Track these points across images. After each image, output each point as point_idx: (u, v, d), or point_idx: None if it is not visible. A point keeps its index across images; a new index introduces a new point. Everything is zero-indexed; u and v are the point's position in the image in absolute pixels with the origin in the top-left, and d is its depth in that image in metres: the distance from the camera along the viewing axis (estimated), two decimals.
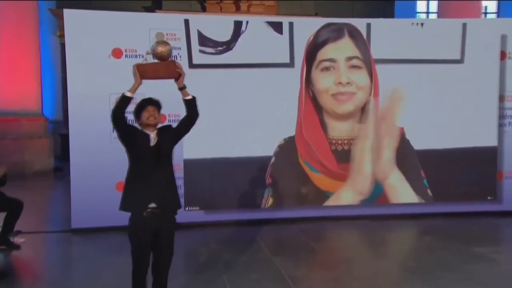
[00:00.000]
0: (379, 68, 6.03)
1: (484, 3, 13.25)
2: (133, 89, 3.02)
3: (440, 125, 6.18)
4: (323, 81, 5.92)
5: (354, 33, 5.97)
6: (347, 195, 6.03)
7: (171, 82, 3.13)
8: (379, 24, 6.18)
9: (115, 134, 3.11)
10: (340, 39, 5.93)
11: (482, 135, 6.27)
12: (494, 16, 14.74)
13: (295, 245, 5.23)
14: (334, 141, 6.02)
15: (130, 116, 3.13)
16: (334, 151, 6.00)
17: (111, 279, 4.07)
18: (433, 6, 14.61)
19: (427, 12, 15.03)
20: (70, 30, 5.50)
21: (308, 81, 5.95)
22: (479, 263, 4.56)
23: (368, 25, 6.05)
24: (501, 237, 5.89)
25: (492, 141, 6.32)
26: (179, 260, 4.06)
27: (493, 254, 4.82)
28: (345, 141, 6.02)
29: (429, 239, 5.46)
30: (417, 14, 14.73)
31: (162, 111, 4.88)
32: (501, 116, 6.39)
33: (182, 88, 3.13)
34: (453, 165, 6.20)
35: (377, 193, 6.07)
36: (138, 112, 3.10)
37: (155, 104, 3.12)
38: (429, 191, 6.18)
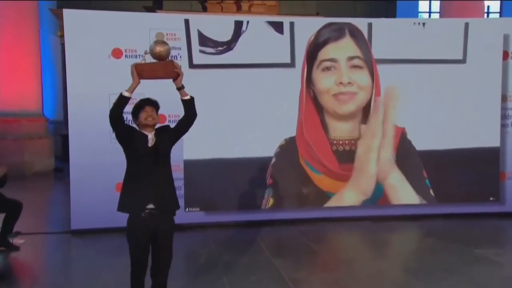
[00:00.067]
0: (380, 68, 5.99)
1: (486, 3, 13.18)
2: (131, 89, 2.99)
3: (442, 126, 6.14)
4: (324, 81, 5.88)
5: (355, 33, 5.93)
6: (350, 196, 5.99)
7: (172, 82, 3.11)
8: (380, 24, 6.14)
9: (114, 134, 3.09)
10: (341, 38, 5.89)
11: (485, 136, 6.23)
12: (497, 16, 14.69)
13: (295, 246, 5.20)
14: (335, 142, 5.98)
15: (128, 116, 3.10)
16: (335, 152, 5.97)
17: (111, 280, 4.05)
18: (435, 6, 14.55)
19: (429, 12, 14.99)
20: (70, 30, 5.48)
21: (309, 81, 5.91)
22: (481, 265, 4.53)
23: (370, 25, 6.01)
24: (503, 238, 5.84)
25: (494, 142, 6.27)
26: (179, 262, 4.03)
27: (496, 256, 4.78)
28: (346, 142, 5.99)
29: (431, 241, 5.42)
30: (419, 14, 14.69)
31: (162, 112, 4.88)
32: (504, 117, 6.35)
33: (180, 88, 3.10)
34: (455, 166, 6.16)
35: (379, 194, 6.04)
36: (136, 112, 3.07)
37: (153, 104, 3.10)
38: (431, 192, 6.14)
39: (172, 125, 3.27)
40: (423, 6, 14.96)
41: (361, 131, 5.98)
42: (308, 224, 5.92)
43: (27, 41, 9.65)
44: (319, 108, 5.94)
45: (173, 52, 5.57)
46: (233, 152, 5.78)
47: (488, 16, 14.21)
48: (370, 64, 5.97)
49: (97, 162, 5.40)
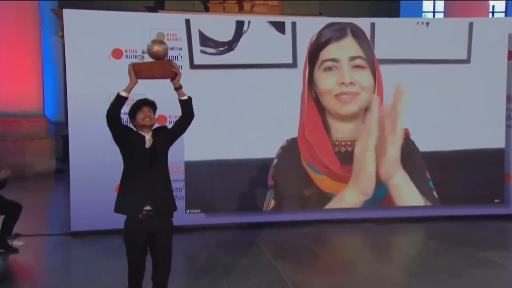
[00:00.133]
0: (383, 68, 5.94)
1: (491, 3, 13.12)
2: (128, 89, 2.95)
3: (446, 126, 6.08)
4: (326, 82, 5.83)
5: (357, 33, 5.88)
6: (350, 196, 5.93)
7: (171, 83, 3.07)
8: (383, 24, 6.09)
9: (111, 135, 3.05)
10: (343, 38, 5.84)
11: (489, 137, 6.16)
12: (502, 15, 14.60)
13: (297, 248, 5.15)
14: (337, 143, 5.93)
15: (124, 117, 3.07)
16: (337, 153, 5.91)
17: (110, 282, 4.02)
18: (440, 6, 14.48)
19: (434, 12, 14.92)
20: (70, 30, 5.45)
21: (310, 82, 5.86)
22: (485, 268, 4.47)
23: (373, 25, 5.96)
24: (508, 241, 5.77)
25: (499, 143, 6.20)
26: (179, 264, 4.00)
27: (500, 259, 4.72)
28: (349, 143, 5.93)
29: (434, 243, 5.35)
30: (423, 14, 14.61)
31: (163, 113, 4.91)
32: (509, 117, 6.28)
33: (178, 88, 3.06)
34: (459, 167, 6.10)
35: (382, 194, 5.98)
36: (133, 113, 3.04)
37: (150, 105, 3.06)
38: (435, 193, 6.08)
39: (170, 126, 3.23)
40: (427, 6, 14.88)
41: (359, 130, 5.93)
42: (309, 226, 5.88)
43: (28, 41, 9.64)
44: (321, 109, 5.88)
45: (173, 53, 5.59)
46: (235, 153, 5.74)
47: (493, 16, 14.12)
48: (372, 64, 5.91)
49: (98, 163, 5.35)
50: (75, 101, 5.47)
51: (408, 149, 6.00)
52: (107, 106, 2.96)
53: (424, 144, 6.05)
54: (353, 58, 5.84)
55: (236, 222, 5.89)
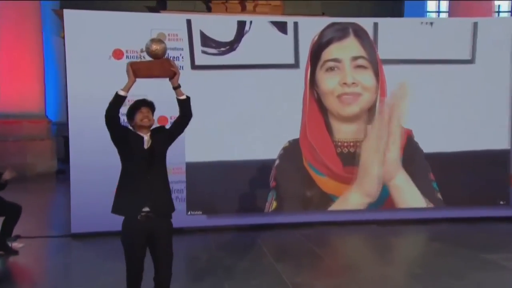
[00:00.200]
0: (386, 69, 5.89)
1: (496, 3, 13.05)
2: (127, 88, 2.93)
3: (449, 127, 6.03)
4: (328, 82, 5.78)
5: (359, 33, 5.83)
6: (354, 198, 5.89)
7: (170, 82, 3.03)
8: (386, 24, 6.04)
9: (109, 135, 3.02)
10: (345, 38, 5.80)
11: (494, 138, 6.11)
12: (507, 15, 14.51)
13: (298, 250, 5.11)
14: (339, 144, 5.88)
15: (123, 117, 3.03)
16: (339, 154, 5.87)
17: (110, 284, 4.00)
18: (444, 6, 14.40)
19: (438, 12, 14.84)
20: (70, 30, 5.43)
21: (312, 82, 5.82)
22: (489, 271, 4.42)
23: (375, 25, 5.91)
24: None
25: (504, 144, 6.14)
26: (180, 266, 3.95)
27: (505, 261, 4.66)
28: (351, 144, 5.88)
29: (437, 245, 5.30)
30: (427, 14, 14.54)
31: (164, 113, 4.89)
32: None
33: (176, 87, 3.03)
34: (463, 168, 6.04)
35: (384, 196, 5.93)
36: (131, 113, 3.02)
37: (149, 105, 3.04)
38: (439, 194, 6.02)
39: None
40: (431, 5, 14.80)
41: (366, 132, 5.87)
42: (311, 228, 5.84)
43: (29, 41, 9.65)
44: (323, 110, 5.84)
45: (175, 53, 5.56)
46: (236, 155, 5.70)
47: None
48: (375, 64, 5.86)
49: (98, 164, 5.30)
50: (75, 101, 5.46)
51: (412, 150, 5.95)
52: None
53: (428, 145, 6.00)
54: (355, 58, 5.80)
55: (237, 224, 5.85)
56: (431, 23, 6.10)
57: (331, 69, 5.78)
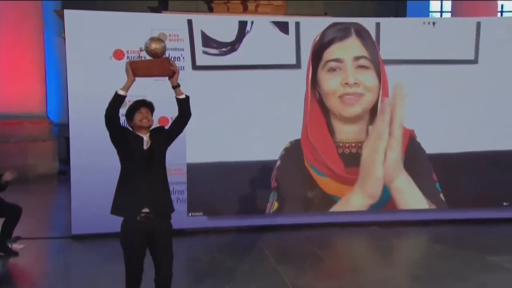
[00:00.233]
0: (389, 69, 5.85)
1: (500, 2, 12.97)
2: (126, 87, 2.91)
3: (453, 128, 5.98)
4: (329, 82, 5.75)
5: (361, 33, 5.79)
6: (356, 199, 5.85)
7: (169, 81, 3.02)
8: (389, 24, 6.00)
9: (109, 135, 3.00)
10: (346, 38, 5.76)
11: (498, 138, 6.06)
12: (511, 15, 14.44)
13: (300, 252, 5.08)
14: (341, 144, 5.84)
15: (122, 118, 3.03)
16: (341, 155, 5.83)
17: (110, 285, 3.99)
18: (447, 6, 14.33)
19: (441, 11, 14.77)
20: (71, 30, 5.41)
21: (314, 83, 5.78)
22: (492, 273, 4.37)
23: (378, 25, 5.87)
24: None
25: (508, 145, 6.09)
26: (180, 268, 3.95)
27: (508, 264, 4.61)
28: (353, 144, 5.85)
29: (440, 247, 5.26)
30: (430, 14, 14.48)
31: (165, 114, 4.86)
32: None
33: (175, 87, 3.02)
34: (467, 169, 6.00)
35: (386, 197, 5.89)
36: (130, 114, 3.01)
37: (148, 105, 3.03)
38: (441, 196, 5.98)
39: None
40: (434, 5, 14.74)
41: (368, 133, 5.83)
42: (313, 229, 5.80)
43: (30, 42, 9.62)
44: (325, 110, 5.80)
45: (176, 53, 5.54)
46: (237, 155, 5.67)
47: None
48: (377, 64, 5.82)
49: (99, 165, 5.27)
50: (76, 102, 5.44)
51: (414, 151, 5.90)
52: None
53: (431, 145, 5.96)
54: (357, 58, 5.76)
55: (238, 225, 5.81)
56: (434, 23, 6.06)
57: (333, 69, 5.74)
